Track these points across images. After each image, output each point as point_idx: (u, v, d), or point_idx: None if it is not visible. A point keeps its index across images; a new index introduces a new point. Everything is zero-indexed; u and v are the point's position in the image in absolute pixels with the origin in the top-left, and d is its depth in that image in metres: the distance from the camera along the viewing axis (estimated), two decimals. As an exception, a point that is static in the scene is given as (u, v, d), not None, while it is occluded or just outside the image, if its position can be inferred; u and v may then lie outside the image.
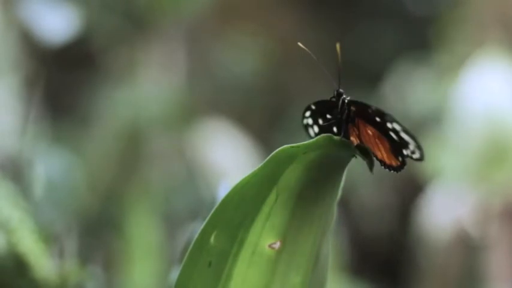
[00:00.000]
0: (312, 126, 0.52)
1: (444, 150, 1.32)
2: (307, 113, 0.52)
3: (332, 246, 0.52)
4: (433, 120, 1.43)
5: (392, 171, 0.49)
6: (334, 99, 0.49)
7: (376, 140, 0.49)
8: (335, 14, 1.70)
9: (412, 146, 0.47)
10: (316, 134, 0.51)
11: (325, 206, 0.48)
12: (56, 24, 1.18)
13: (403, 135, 0.47)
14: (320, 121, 0.51)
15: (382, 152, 0.49)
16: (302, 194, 0.47)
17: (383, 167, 0.49)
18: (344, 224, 1.39)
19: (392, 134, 0.48)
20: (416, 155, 0.48)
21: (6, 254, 0.67)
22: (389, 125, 0.47)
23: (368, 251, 1.54)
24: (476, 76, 1.32)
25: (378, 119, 0.47)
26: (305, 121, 0.52)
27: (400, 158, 0.48)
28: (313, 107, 0.51)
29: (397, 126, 0.47)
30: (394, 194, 1.56)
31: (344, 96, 0.49)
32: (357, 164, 0.49)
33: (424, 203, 1.35)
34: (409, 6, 1.67)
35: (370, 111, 0.48)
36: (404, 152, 0.48)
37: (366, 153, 0.46)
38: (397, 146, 0.48)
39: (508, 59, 1.35)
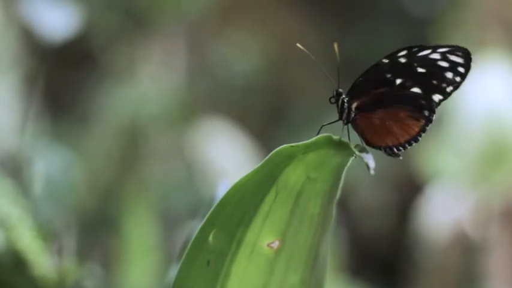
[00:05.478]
0: None
1: (444, 150, 1.32)
2: None
3: (331, 246, 0.51)
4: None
5: (412, 144, 0.49)
6: (333, 99, 0.49)
7: (386, 123, 0.48)
8: (335, 14, 1.70)
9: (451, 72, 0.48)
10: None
11: (324, 205, 0.48)
12: (56, 21, 1.17)
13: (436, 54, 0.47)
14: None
15: (395, 133, 0.48)
16: (301, 193, 0.47)
17: (399, 150, 0.49)
18: (343, 223, 1.39)
19: (415, 88, 0.48)
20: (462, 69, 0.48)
21: (5, 251, 0.67)
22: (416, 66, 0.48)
23: (367, 251, 1.53)
24: (477, 77, 1.32)
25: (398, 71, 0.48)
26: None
27: (425, 113, 0.48)
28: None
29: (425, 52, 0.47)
30: (393, 194, 1.56)
31: (343, 96, 0.49)
32: (356, 164, 0.48)
33: (424, 203, 1.35)
34: (409, 7, 1.67)
35: (383, 63, 0.48)
36: (435, 96, 0.48)
37: (365, 154, 0.46)
38: (421, 99, 0.48)
39: (508, 59, 1.34)
